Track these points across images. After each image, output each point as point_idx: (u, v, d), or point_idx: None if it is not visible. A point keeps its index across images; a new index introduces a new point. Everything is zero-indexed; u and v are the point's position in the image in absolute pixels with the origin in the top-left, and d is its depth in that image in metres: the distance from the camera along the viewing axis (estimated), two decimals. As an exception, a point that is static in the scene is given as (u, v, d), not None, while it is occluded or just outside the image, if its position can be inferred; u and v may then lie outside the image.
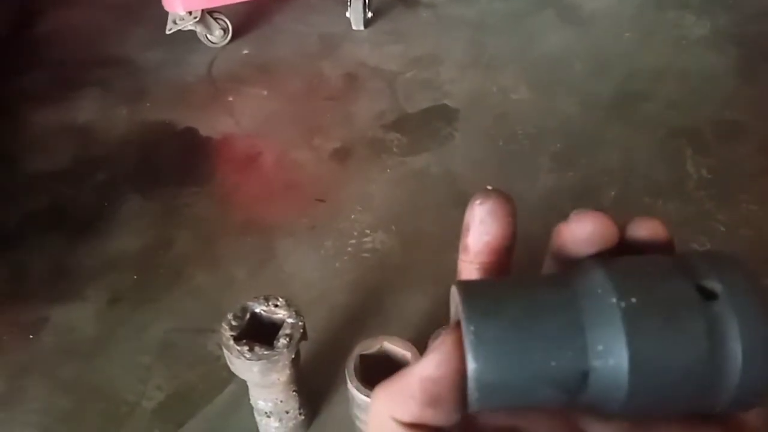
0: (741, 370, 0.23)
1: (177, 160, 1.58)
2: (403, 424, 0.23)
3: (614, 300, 0.23)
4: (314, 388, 1.07)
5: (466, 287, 0.25)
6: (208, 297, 1.26)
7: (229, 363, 0.90)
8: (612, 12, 2.00)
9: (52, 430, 1.07)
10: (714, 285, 0.23)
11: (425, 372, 0.24)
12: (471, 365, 0.23)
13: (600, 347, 0.23)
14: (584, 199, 1.40)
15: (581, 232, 0.25)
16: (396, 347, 0.95)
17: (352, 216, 1.40)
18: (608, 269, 0.24)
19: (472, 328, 0.23)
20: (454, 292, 0.25)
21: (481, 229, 0.27)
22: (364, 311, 1.21)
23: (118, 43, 1.94)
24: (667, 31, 1.92)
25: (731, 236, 1.33)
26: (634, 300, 0.23)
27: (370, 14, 1.96)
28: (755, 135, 1.58)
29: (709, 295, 0.23)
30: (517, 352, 0.23)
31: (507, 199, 0.27)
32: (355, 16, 1.92)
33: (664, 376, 0.23)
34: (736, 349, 0.23)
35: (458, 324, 0.24)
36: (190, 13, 1.81)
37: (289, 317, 0.91)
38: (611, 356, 0.22)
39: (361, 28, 1.95)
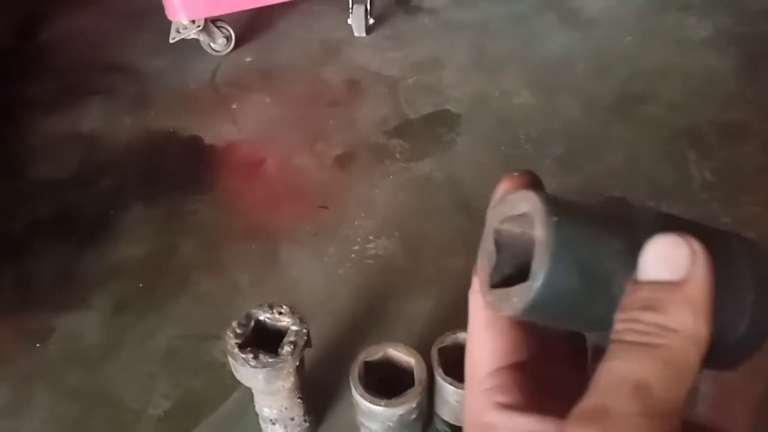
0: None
1: (181, 168, 1.58)
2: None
3: (653, 209, 0.30)
4: (319, 394, 1.07)
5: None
6: (213, 304, 1.26)
7: (233, 370, 0.90)
8: (612, 14, 2.00)
9: (59, 438, 1.07)
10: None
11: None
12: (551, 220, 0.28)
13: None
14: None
15: None
16: (400, 354, 0.96)
17: (356, 222, 1.40)
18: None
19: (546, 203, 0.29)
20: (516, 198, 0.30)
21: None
22: (368, 317, 1.21)
23: (122, 51, 1.95)
24: (668, 33, 1.91)
25: (735, 238, 1.32)
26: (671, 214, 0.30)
27: (371, 21, 1.96)
28: (758, 136, 1.57)
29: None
30: (583, 216, 0.29)
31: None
32: (356, 22, 1.93)
33: None
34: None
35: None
36: (193, 21, 1.82)
37: (293, 324, 0.91)
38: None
39: (363, 34, 1.95)
